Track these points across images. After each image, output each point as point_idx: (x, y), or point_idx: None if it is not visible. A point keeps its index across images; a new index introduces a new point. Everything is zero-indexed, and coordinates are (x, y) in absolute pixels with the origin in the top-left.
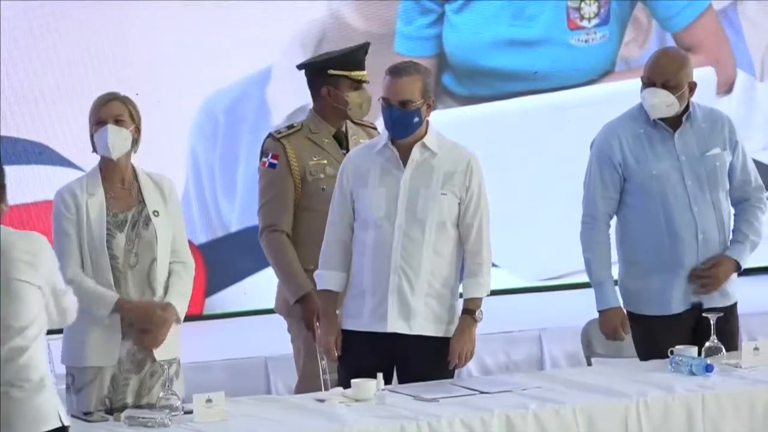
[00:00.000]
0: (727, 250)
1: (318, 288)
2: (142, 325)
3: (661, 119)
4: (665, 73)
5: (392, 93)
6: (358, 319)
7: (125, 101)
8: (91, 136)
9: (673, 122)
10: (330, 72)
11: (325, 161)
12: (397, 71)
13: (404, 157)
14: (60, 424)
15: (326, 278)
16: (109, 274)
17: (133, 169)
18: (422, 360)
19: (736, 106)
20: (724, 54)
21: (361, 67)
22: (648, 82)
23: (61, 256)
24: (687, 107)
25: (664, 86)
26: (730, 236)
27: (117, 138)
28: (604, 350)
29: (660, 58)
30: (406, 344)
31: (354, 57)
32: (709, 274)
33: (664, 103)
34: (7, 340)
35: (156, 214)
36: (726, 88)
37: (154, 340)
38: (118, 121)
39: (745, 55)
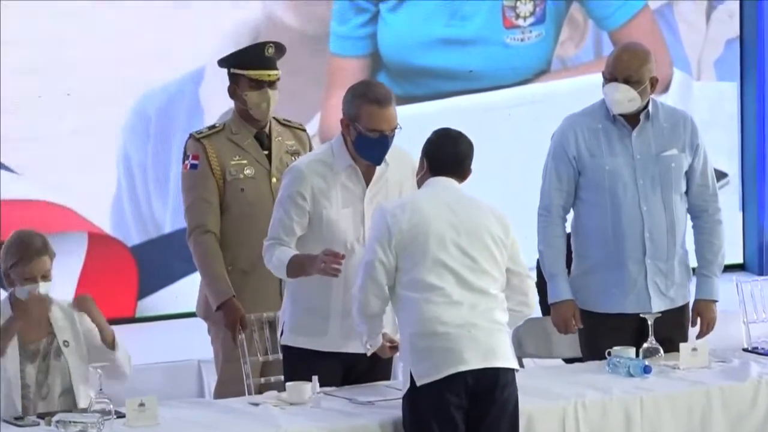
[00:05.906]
0: (699, 289)
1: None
2: None
3: (622, 116)
4: (627, 68)
5: (387, 123)
6: (322, 338)
7: (49, 251)
8: (7, 274)
9: (634, 119)
10: (231, 71)
11: (245, 161)
12: (383, 101)
13: (365, 174)
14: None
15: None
16: (19, 405)
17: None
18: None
19: (672, 105)
20: (660, 53)
21: (261, 66)
22: (610, 78)
23: None
24: (647, 104)
25: (626, 81)
26: (683, 241)
27: (44, 292)
28: (536, 351)
29: (622, 53)
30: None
31: (249, 55)
32: (700, 329)
33: (625, 99)
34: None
35: (66, 344)
36: (662, 87)
37: None
38: (45, 276)
39: (681, 55)
